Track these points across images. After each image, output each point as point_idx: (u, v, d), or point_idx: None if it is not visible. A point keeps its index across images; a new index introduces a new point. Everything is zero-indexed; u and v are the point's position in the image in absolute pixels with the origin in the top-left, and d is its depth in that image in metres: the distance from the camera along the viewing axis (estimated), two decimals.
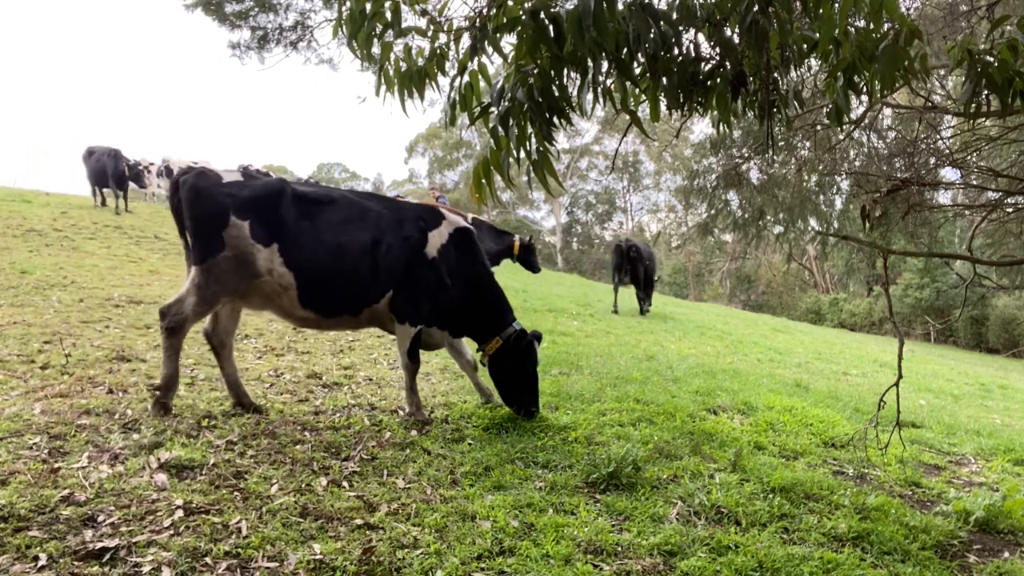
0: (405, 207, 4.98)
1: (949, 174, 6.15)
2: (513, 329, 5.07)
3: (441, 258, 4.83)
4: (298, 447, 3.96)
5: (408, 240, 4.72)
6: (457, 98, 2.73)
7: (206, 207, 4.26)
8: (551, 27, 2.37)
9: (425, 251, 4.78)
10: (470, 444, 4.35)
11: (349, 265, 4.51)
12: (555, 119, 2.53)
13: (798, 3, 2.58)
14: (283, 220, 4.36)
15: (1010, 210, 5.48)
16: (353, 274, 4.53)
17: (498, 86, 2.57)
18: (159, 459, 3.46)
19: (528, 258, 11.37)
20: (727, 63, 2.65)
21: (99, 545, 2.64)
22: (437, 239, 4.85)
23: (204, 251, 4.25)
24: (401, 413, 4.95)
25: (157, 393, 4.28)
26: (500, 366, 5.03)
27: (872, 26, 2.43)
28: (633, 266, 14.24)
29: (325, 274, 4.46)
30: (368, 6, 2.62)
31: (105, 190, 17.25)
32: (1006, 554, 3.57)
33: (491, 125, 2.56)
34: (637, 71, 2.63)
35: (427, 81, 2.76)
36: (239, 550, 2.74)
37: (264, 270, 4.33)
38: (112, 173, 16.33)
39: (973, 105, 2.57)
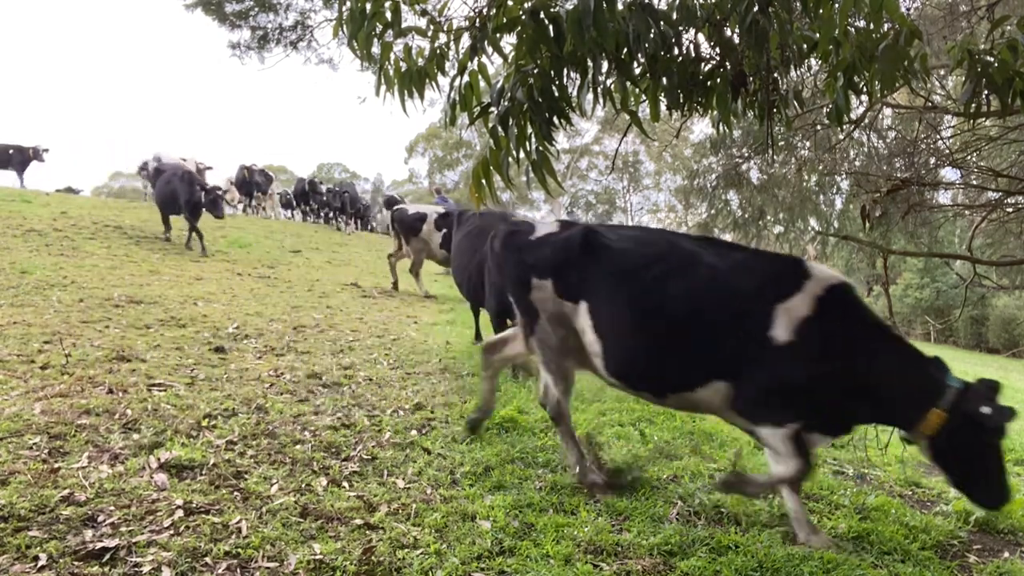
0: (756, 262, 3.59)
1: (949, 174, 6.16)
2: None
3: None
4: (298, 447, 3.96)
5: (752, 316, 3.35)
6: (457, 98, 2.73)
7: (513, 272, 3.94)
8: (551, 27, 2.37)
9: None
10: (470, 444, 4.35)
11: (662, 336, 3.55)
12: (555, 119, 2.54)
13: (798, 3, 2.58)
14: (588, 276, 3.68)
15: (1010, 210, 5.49)
16: (670, 347, 3.54)
17: (498, 86, 2.57)
18: (159, 459, 3.46)
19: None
20: (727, 63, 2.65)
21: (99, 545, 2.64)
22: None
23: (525, 320, 3.96)
24: (401, 413, 4.95)
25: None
26: None
27: (872, 26, 2.44)
28: None
29: (630, 344, 3.62)
30: (368, 6, 2.62)
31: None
32: (1006, 554, 3.56)
33: (491, 125, 2.56)
34: (637, 71, 2.64)
35: (427, 81, 2.77)
36: (239, 550, 2.74)
37: (580, 328, 3.73)
38: (186, 201, 12.83)
39: (973, 105, 2.58)
